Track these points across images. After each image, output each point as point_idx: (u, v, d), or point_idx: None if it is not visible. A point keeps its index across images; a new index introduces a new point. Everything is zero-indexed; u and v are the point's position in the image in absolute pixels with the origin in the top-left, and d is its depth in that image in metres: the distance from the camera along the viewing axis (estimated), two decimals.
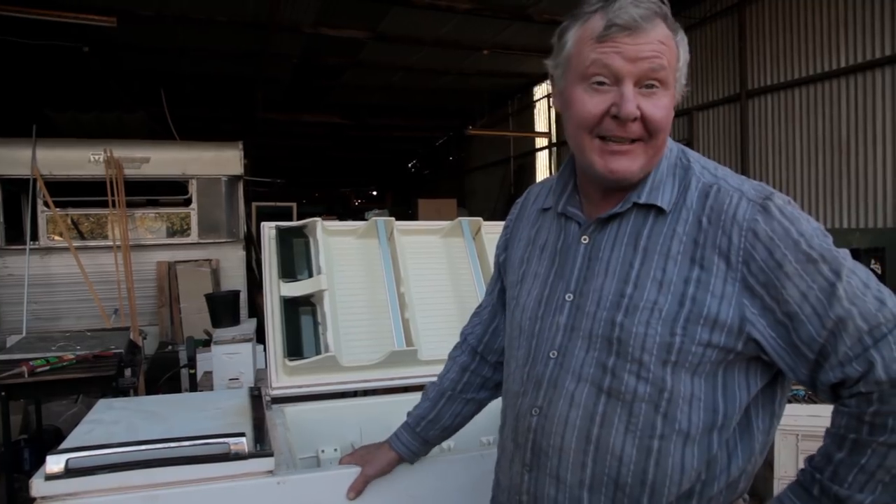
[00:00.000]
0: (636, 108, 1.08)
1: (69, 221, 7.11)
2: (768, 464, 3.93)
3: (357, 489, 1.58)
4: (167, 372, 5.38)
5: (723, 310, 1.07)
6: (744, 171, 8.71)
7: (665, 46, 1.09)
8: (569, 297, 1.20)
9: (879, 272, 5.75)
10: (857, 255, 5.45)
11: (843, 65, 7.39)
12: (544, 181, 1.43)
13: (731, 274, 1.07)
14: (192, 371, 4.34)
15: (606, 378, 1.12)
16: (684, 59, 1.14)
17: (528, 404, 1.22)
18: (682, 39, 1.14)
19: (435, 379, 1.62)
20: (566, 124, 1.20)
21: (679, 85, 1.14)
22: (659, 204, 1.14)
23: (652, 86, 1.09)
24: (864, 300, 1.02)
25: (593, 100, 1.11)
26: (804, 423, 3.83)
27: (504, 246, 1.48)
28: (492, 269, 1.62)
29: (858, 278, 1.04)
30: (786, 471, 3.87)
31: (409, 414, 1.61)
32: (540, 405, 1.20)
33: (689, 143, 9.65)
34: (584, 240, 1.21)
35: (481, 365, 1.55)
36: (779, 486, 3.89)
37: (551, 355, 1.20)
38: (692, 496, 1.11)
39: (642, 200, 1.15)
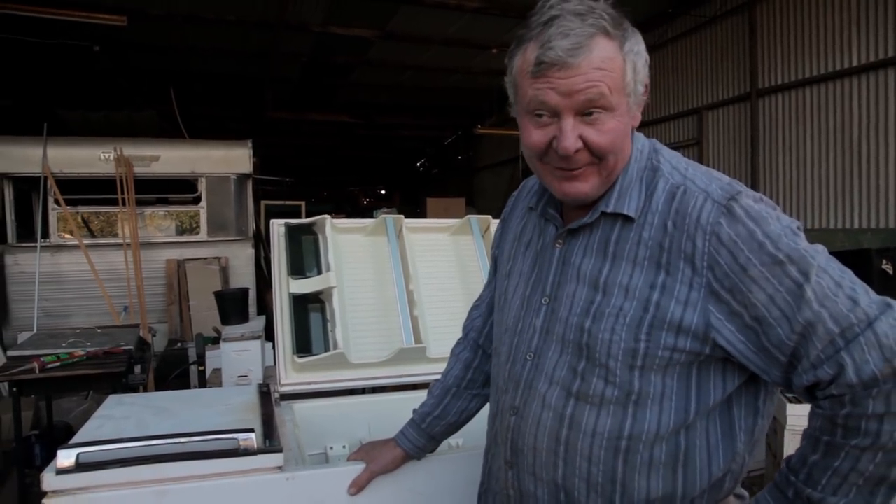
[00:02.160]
0: (576, 140, 1.08)
1: (79, 219, 7.16)
2: (776, 463, 3.91)
3: (359, 485, 1.58)
4: (176, 369, 5.40)
5: (687, 315, 1.06)
6: (754, 170, 8.67)
7: (602, 72, 1.05)
8: (545, 300, 1.22)
9: (891, 272, 5.71)
10: (867, 254, 5.41)
11: (854, 64, 7.33)
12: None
13: (697, 279, 1.06)
14: (201, 368, 4.35)
15: (576, 382, 1.14)
16: (635, 68, 1.10)
17: (508, 403, 1.25)
18: (632, 48, 1.10)
19: (439, 376, 1.62)
20: (522, 148, 1.20)
21: (635, 96, 1.12)
22: (625, 212, 1.14)
23: (593, 113, 1.07)
24: (834, 301, 0.99)
25: (537, 133, 1.12)
26: None
27: (498, 240, 1.50)
28: None
29: (830, 277, 1.01)
30: None
31: (414, 411, 1.62)
32: (517, 406, 1.23)
33: (699, 143, 9.61)
34: (559, 244, 1.23)
35: (484, 360, 1.56)
36: None
37: (528, 357, 1.22)
38: (674, 496, 1.11)
39: (609, 210, 1.15)
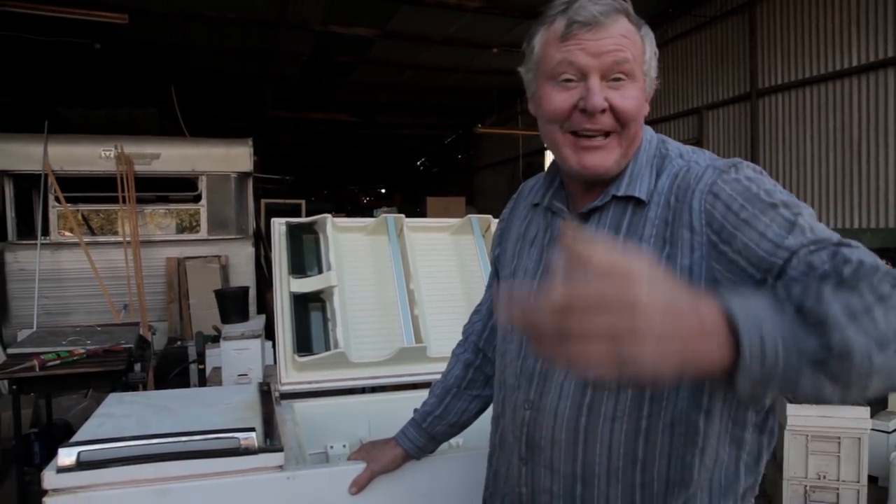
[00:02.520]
0: (603, 101, 1.09)
1: (80, 217, 7.15)
2: (777, 464, 3.91)
3: (360, 484, 1.58)
4: (176, 367, 5.41)
5: (694, 279, 1.06)
6: None
7: (628, 40, 1.10)
8: None
9: None
10: None
11: (854, 64, 7.34)
12: (537, 176, 1.43)
13: (697, 239, 1.06)
14: (201, 367, 4.35)
15: None
16: (651, 52, 1.15)
17: (522, 398, 1.24)
18: (648, 34, 1.15)
19: (440, 376, 1.62)
20: (540, 124, 1.21)
21: (649, 78, 1.15)
22: (637, 195, 1.14)
23: (619, 78, 1.10)
24: (823, 231, 0.97)
25: (561, 95, 1.12)
26: (814, 424, 3.81)
27: (498, 242, 1.49)
28: None
29: (821, 226, 1.00)
30: (795, 471, 3.85)
31: (415, 410, 1.62)
32: (532, 399, 1.22)
33: (699, 142, 9.61)
34: None
35: (485, 362, 1.56)
36: (788, 487, 3.87)
37: None
38: (693, 466, 1.10)
39: (621, 193, 1.15)
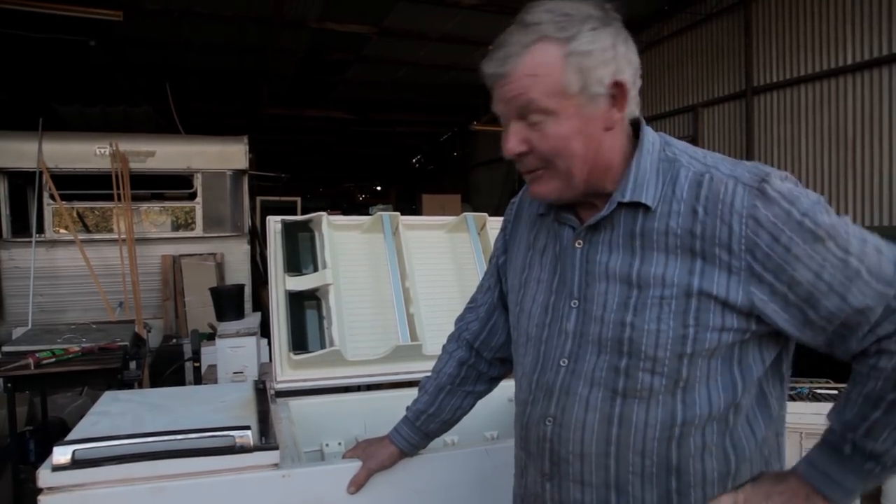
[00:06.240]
0: (517, 144, 1.13)
1: (75, 214, 7.14)
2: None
3: (358, 483, 1.59)
4: (172, 365, 5.39)
5: (731, 296, 1.07)
6: None
7: (534, 77, 1.08)
8: (574, 303, 1.20)
9: None
10: None
11: (849, 62, 7.35)
12: None
13: (735, 263, 1.06)
14: (196, 364, 4.35)
15: (620, 379, 1.13)
16: (581, 68, 1.07)
17: (540, 413, 1.23)
18: (581, 47, 1.07)
19: (430, 373, 1.61)
20: None
21: (586, 97, 1.09)
22: (643, 201, 1.13)
23: (535, 120, 1.11)
24: (880, 267, 1.03)
25: (504, 138, 1.17)
26: (807, 422, 3.82)
27: (503, 248, 1.48)
28: None
29: (870, 246, 1.05)
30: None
31: (408, 408, 1.61)
32: (553, 414, 1.20)
33: (694, 140, 9.61)
34: (579, 244, 1.21)
35: (478, 360, 1.55)
36: None
37: (562, 363, 1.20)
38: (728, 472, 1.13)
39: (626, 199, 1.14)
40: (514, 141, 1.13)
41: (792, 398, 3.07)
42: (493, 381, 1.59)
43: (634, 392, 1.12)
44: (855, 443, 1.05)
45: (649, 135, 1.19)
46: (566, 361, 1.19)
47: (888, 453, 1.03)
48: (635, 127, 1.20)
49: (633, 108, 1.15)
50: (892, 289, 1.02)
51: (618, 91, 1.11)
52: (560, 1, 1.11)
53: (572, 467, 1.18)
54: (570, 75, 1.08)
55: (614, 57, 1.10)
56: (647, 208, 1.13)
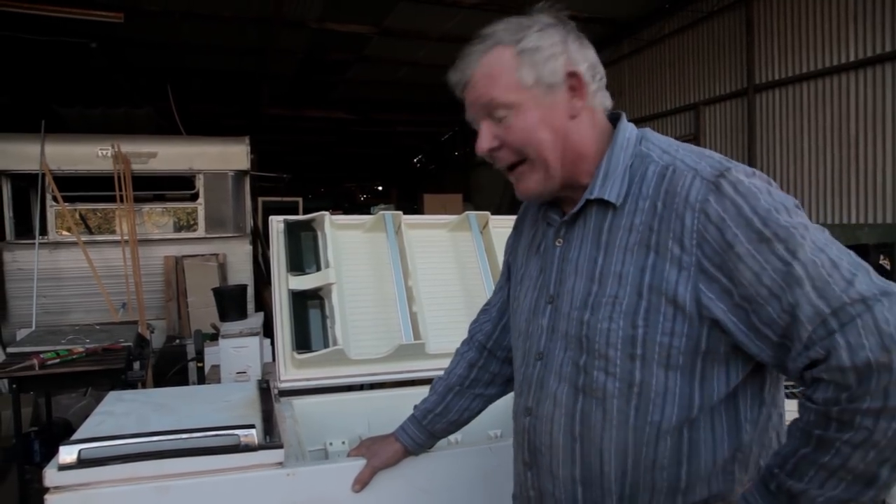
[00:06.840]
0: (490, 141, 1.19)
1: (77, 216, 7.15)
2: None
3: (363, 481, 1.60)
4: (175, 365, 5.40)
5: (679, 294, 1.05)
6: (751, 165, 8.62)
7: (491, 77, 1.16)
8: (549, 299, 1.24)
9: (888, 268, 5.72)
10: (865, 250, 5.42)
11: (851, 59, 7.34)
12: None
13: (686, 258, 1.05)
14: (199, 365, 4.35)
15: (580, 377, 1.16)
16: (535, 62, 1.15)
17: (522, 405, 1.28)
18: (530, 45, 1.15)
19: (442, 374, 1.63)
20: None
21: (543, 89, 1.15)
22: (606, 198, 1.15)
23: (501, 117, 1.17)
24: (828, 280, 0.94)
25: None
26: None
27: (511, 247, 1.51)
28: (499, 264, 1.64)
29: (826, 257, 0.97)
30: None
31: (415, 407, 1.62)
32: (530, 406, 1.25)
33: (696, 138, 9.61)
34: (559, 243, 1.25)
35: (489, 361, 1.56)
36: None
37: (537, 357, 1.25)
38: (678, 487, 1.11)
39: (593, 196, 1.17)
40: (485, 138, 1.19)
41: (789, 396, 3.06)
42: (508, 384, 1.57)
43: (592, 391, 1.14)
44: (779, 481, 0.99)
45: (626, 130, 1.20)
46: (541, 356, 1.24)
47: (805, 495, 0.96)
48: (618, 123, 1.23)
49: (600, 99, 1.20)
50: (831, 309, 0.93)
51: (575, 81, 1.16)
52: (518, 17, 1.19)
53: (545, 458, 1.22)
54: (523, 70, 1.15)
55: (564, 51, 1.16)
56: (614, 205, 1.15)
